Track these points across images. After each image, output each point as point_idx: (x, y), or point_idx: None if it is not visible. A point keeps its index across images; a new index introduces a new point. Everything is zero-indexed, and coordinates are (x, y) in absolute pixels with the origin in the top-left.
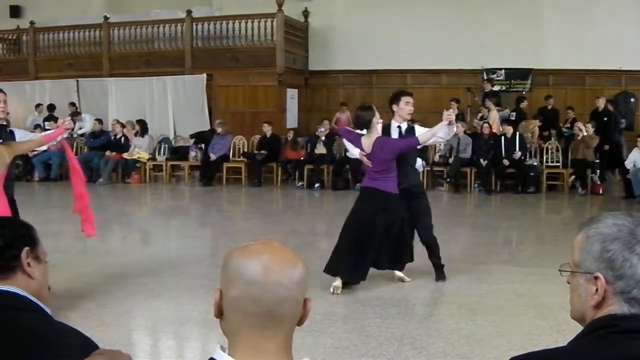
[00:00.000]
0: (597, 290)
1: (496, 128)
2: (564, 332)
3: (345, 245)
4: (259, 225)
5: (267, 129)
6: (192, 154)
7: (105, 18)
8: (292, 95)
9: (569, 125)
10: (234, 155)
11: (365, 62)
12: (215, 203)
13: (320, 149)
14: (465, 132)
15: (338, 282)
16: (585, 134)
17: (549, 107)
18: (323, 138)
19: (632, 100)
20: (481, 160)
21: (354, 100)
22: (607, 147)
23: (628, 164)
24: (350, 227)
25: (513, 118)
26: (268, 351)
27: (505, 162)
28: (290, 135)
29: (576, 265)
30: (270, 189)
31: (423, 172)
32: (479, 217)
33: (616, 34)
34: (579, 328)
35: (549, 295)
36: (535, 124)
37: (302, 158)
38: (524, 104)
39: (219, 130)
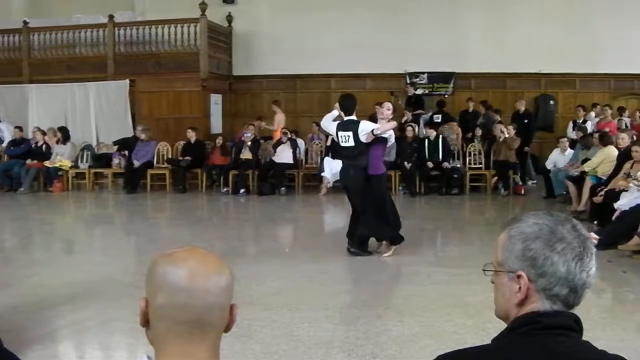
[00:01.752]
0: (520, 288)
1: (279, 132)
2: (489, 330)
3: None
4: (185, 231)
5: (191, 135)
6: (116, 161)
7: (25, 23)
8: (216, 101)
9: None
10: (158, 162)
11: (289, 66)
12: (139, 210)
13: (246, 154)
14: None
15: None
16: (506, 136)
17: (470, 109)
18: (249, 143)
19: (551, 102)
20: (405, 163)
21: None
22: (527, 148)
23: (548, 164)
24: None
25: (439, 120)
26: (196, 359)
27: (429, 164)
28: (220, 141)
29: (499, 264)
30: (195, 196)
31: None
32: (404, 219)
33: (536, 37)
34: (503, 326)
35: (474, 294)
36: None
37: (227, 164)
38: (445, 108)
39: (143, 136)
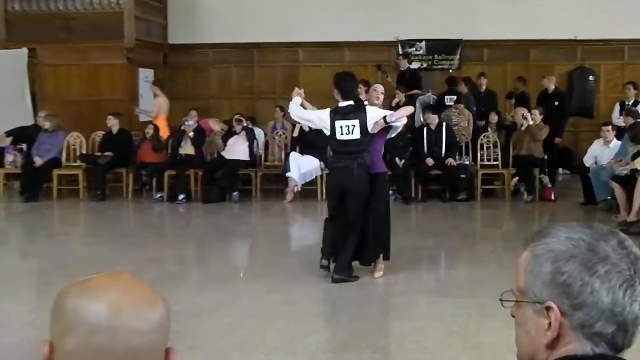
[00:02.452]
0: (550, 324)
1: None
2: None
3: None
4: (105, 252)
5: (114, 123)
6: (10, 158)
7: None
8: (146, 78)
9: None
10: (68, 160)
11: (245, 33)
12: (43, 225)
13: (187, 149)
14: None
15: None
16: (531, 123)
17: (482, 89)
18: (191, 134)
19: (591, 79)
20: (397, 160)
21: (230, 83)
22: (558, 140)
23: (588, 160)
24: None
25: (452, 103)
26: None
27: (429, 161)
28: (151, 130)
29: (522, 293)
30: (120, 204)
31: (321, 176)
32: (396, 234)
33: None
34: None
35: (488, 333)
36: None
37: (161, 161)
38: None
39: (47, 125)
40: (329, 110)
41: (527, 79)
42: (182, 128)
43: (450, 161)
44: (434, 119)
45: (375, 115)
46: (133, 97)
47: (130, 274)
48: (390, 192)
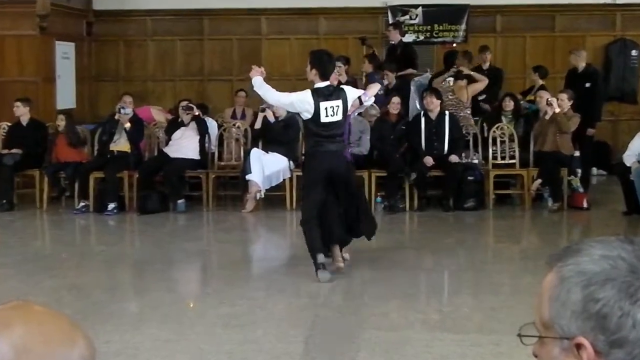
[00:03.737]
0: None
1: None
2: None
3: None
4: (11, 277)
5: (23, 112)
6: None
7: None
8: (65, 54)
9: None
10: None
11: None
12: None
13: (120, 144)
14: (359, 114)
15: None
16: (557, 110)
17: (485, 64)
18: (127, 125)
19: (633, 53)
20: (387, 157)
21: (173, 61)
22: (592, 131)
23: (628, 158)
24: None
25: (452, 84)
26: None
27: (428, 160)
28: (62, 121)
29: (546, 326)
30: (31, 215)
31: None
32: (386, 252)
33: None
34: None
35: None
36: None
37: (84, 161)
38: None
39: None
40: (308, 91)
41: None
42: (116, 117)
43: (454, 158)
44: (435, 105)
45: (353, 94)
46: (48, 79)
47: (42, 305)
48: (377, 199)
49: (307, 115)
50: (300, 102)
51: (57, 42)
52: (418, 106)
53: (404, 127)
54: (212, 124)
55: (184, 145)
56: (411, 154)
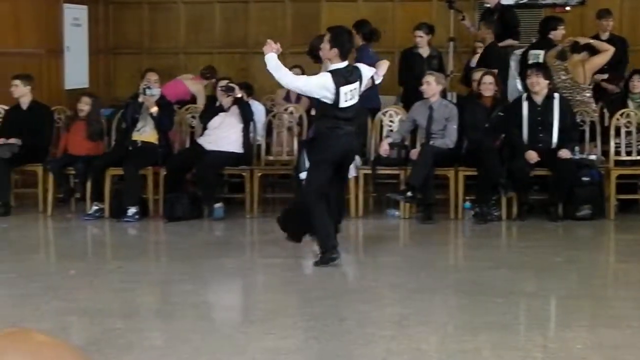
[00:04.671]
0: None
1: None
2: None
3: None
4: (8, 299)
5: (23, 92)
6: None
7: None
8: (76, 19)
9: None
10: None
11: None
12: None
13: (146, 134)
14: (443, 94)
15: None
16: None
17: (604, 34)
18: (153, 110)
19: None
20: (479, 151)
21: (210, 29)
22: None
23: None
24: None
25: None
26: None
27: (531, 155)
28: (86, 106)
29: None
30: (32, 221)
31: (356, 177)
32: (475, 272)
33: None
34: None
35: None
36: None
37: (99, 153)
38: (556, 32)
39: None
40: (328, 75)
41: None
42: (140, 99)
43: (565, 154)
44: (541, 87)
45: (367, 74)
46: (54, 50)
47: (44, 333)
48: (466, 204)
49: (326, 100)
50: (320, 88)
51: (66, 5)
52: (520, 87)
53: (501, 114)
54: (258, 109)
55: (223, 135)
56: (509, 148)
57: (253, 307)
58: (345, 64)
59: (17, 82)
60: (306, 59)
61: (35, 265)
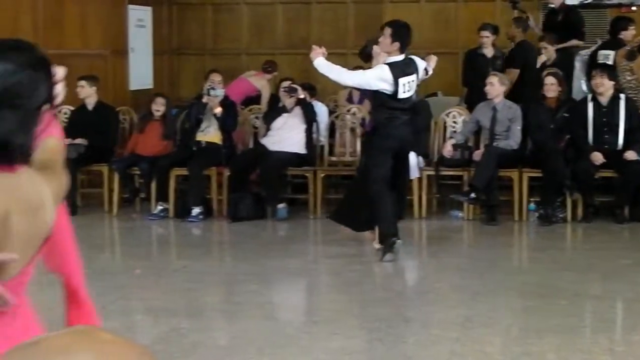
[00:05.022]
0: None
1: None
2: None
3: None
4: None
5: (89, 93)
6: None
7: None
8: (140, 21)
9: None
10: None
11: None
12: None
13: (210, 134)
14: (507, 96)
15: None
16: None
17: None
18: (217, 110)
19: None
20: (544, 152)
21: (272, 30)
22: None
23: None
24: None
25: (610, 62)
26: None
27: (596, 156)
28: (162, 106)
29: None
30: (98, 221)
31: (420, 178)
32: (540, 275)
33: None
34: None
35: None
36: None
37: (164, 154)
38: (627, 32)
39: None
40: (386, 67)
41: None
42: (204, 100)
43: (632, 155)
44: (606, 88)
45: (422, 66)
46: (119, 52)
47: (110, 332)
48: (531, 206)
49: (385, 91)
50: (379, 80)
51: (130, 7)
52: (585, 88)
53: (566, 115)
54: (321, 110)
55: (286, 136)
56: (573, 149)
57: (317, 308)
58: (402, 57)
59: (83, 83)
60: None
61: (101, 265)
